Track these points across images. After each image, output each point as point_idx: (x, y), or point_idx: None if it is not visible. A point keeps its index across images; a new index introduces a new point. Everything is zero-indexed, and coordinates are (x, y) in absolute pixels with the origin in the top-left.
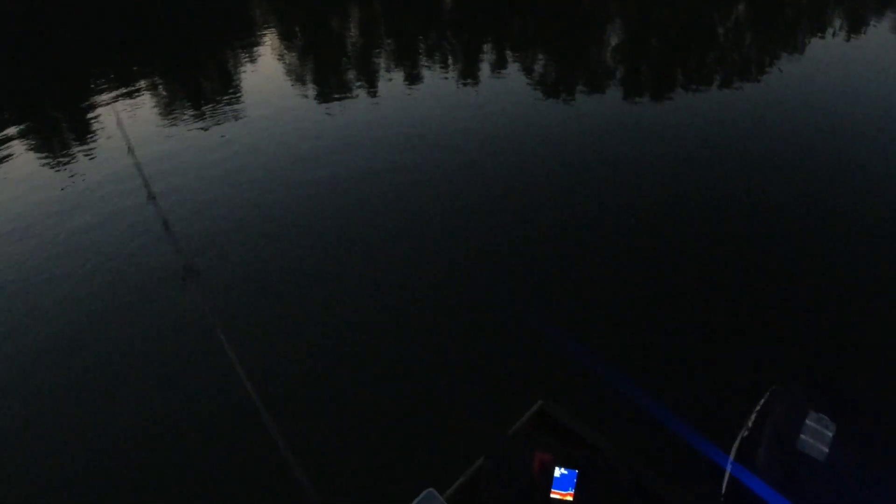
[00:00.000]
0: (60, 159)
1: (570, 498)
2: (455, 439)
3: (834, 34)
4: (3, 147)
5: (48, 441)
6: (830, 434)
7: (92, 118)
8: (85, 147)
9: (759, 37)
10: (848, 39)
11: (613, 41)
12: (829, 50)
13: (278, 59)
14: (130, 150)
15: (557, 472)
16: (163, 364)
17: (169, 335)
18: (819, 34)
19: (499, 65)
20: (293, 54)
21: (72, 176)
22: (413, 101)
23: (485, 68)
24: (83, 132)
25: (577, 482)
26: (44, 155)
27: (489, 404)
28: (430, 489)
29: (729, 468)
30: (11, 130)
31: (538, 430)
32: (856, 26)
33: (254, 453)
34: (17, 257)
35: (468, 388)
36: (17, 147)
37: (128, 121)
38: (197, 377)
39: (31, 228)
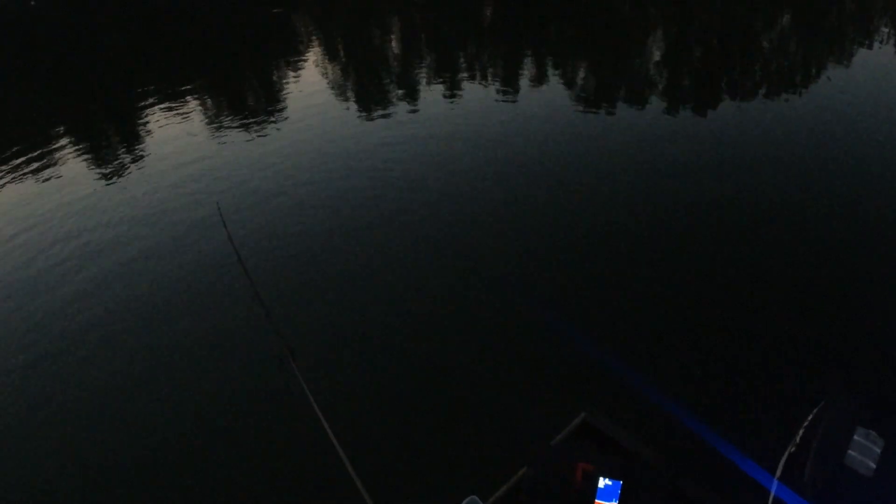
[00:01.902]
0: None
1: None
2: (499, 447)
3: (882, 42)
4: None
5: None
6: (878, 450)
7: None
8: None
9: (804, 45)
10: None
11: (654, 51)
12: (876, 59)
13: (322, 75)
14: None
15: (601, 482)
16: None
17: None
18: (866, 42)
19: (538, 75)
20: (337, 68)
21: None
22: (456, 112)
23: (524, 78)
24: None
25: (620, 493)
26: (98, 174)
27: (533, 414)
28: (473, 496)
29: (775, 483)
30: (73, 160)
31: (581, 440)
32: None
33: (308, 456)
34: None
35: (513, 398)
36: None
37: (176, 133)
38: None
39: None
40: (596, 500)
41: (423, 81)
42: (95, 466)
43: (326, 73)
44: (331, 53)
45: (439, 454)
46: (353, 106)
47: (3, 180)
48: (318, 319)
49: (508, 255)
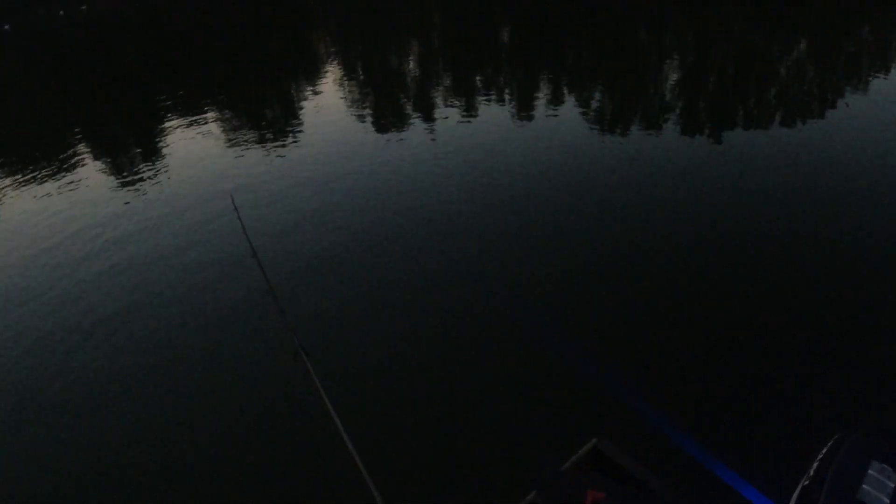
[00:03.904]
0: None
1: None
2: (507, 471)
3: None
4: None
5: None
6: (893, 485)
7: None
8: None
9: (821, 73)
10: None
11: (670, 77)
12: (893, 86)
13: (339, 91)
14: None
15: None
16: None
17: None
18: (883, 72)
19: (554, 99)
20: (353, 86)
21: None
22: (468, 131)
23: (540, 102)
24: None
25: None
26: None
27: (543, 439)
28: None
29: None
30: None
31: (591, 468)
32: None
33: (318, 454)
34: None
35: (524, 421)
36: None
37: (194, 149)
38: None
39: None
40: None
41: (440, 102)
42: (105, 463)
43: (345, 94)
44: (349, 72)
45: (446, 475)
46: (372, 124)
47: (23, 185)
48: (331, 320)
49: (524, 276)
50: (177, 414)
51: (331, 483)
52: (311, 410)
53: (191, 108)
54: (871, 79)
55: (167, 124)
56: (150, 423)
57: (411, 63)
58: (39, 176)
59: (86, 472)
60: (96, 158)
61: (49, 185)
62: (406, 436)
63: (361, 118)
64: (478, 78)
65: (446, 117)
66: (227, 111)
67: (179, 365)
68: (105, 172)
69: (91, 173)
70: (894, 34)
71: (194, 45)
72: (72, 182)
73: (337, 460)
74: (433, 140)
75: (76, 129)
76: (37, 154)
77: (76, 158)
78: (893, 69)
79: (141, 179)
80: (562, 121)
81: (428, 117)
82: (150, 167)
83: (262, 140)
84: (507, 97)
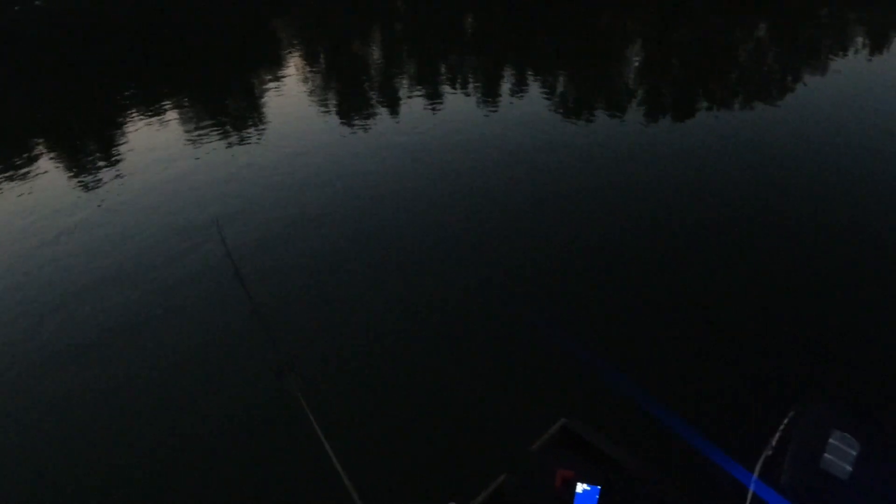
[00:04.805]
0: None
1: None
2: (478, 454)
3: (856, 52)
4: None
5: None
6: (854, 453)
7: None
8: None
9: (781, 55)
10: (871, 58)
11: (634, 60)
12: (851, 67)
13: (303, 81)
14: (234, 267)
15: (580, 487)
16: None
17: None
18: (841, 52)
19: (519, 85)
20: (318, 76)
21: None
22: (436, 120)
23: (505, 88)
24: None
25: (599, 499)
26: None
27: (512, 421)
28: (453, 503)
29: (752, 486)
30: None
31: (561, 447)
32: (879, 45)
33: (289, 460)
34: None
35: (492, 405)
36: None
37: (155, 143)
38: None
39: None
40: None
41: (407, 92)
42: (87, 483)
43: (309, 84)
44: (314, 63)
45: (417, 461)
46: (338, 118)
47: None
48: (312, 332)
49: (489, 262)
50: (163, 427)
51: (312, 486)
52: (293, 419)
53: (160, 103)
54: (830, 59)
55: (136, 121)
56: (138, 433)
57: (376, 53)
58: None
59: (50, 491)
60: (58, 159)
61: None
62: (382, 434)
63: (327, 111)
64: (443, 67)
65: (414, 110)
66: (199, 106)
67: (162, 381)
68: (67, 177)
69: (51, 178)
70: (851, 16)
71: (156, 38)
72: (31, 189)
73: (317, 464)
74: (405, 136)
75: (38, 127)
76: None
77: (35, 160)
78: (851, 50)
79: (106, 185)
80: (526, 105)
81: (393, 109)
82: (116, 170)
83: (225, 136)
84: (470, 86)
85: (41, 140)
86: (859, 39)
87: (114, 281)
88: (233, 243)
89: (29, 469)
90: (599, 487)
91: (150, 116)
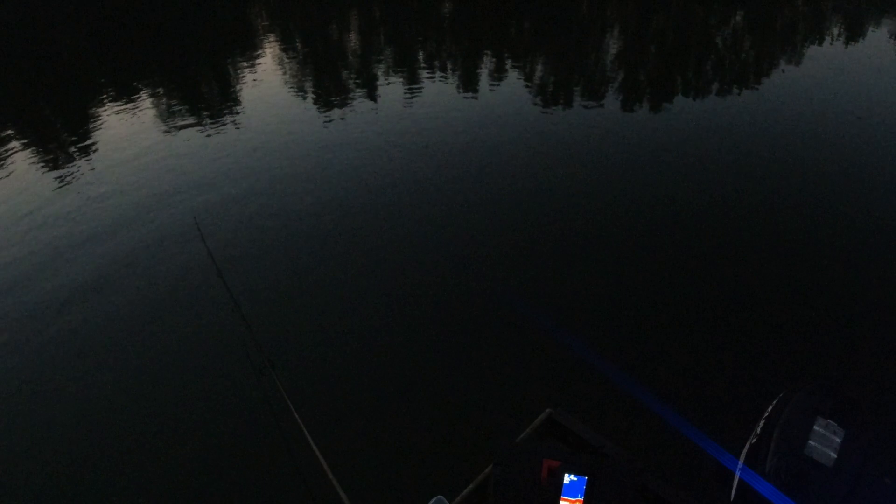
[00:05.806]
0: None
1: None
2: (464, 446)
3: (832, 41)
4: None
5: None
6: (838, 440)
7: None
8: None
9: (758, 42)
10: (847, 45)
11: (611, 47)
12: (827, 54)
13: (279, 68)
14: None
15: (566, 478)
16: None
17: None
18: (817, 40)
19: (497, 71)
20: (294, 62)
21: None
22: (414, 107)
23: (484, 74)
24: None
25: (586, 489)
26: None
27: (498, 412)
28: (440, 496)
29: (738, 473)
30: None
31: (547, 437)
32: (854, 33)
33: (273, 459)
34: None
35: (477, 396)
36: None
37: (130, 128)
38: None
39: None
40: (562, 497)
41: (384, 79)
42: (67, 482)
43: (285, 70)
44: (289, 48)
45: (403, 453)
46: (315, 106)
47: None
48: (293, 327)
49: (469, 252)
50: (143, 427)
51: (297, 482)
52: (276, 415)
53: (131, 92)
54: (806, 47)
55: (106, 111)
56: (117, 433)
57: (353, 39)
58: None
59: (32, 491)
60: (28, 150)
61: None
62: (367, 429)
63: (304, 99)
64: (421, 52)
65: (390, 97)
66: (169, 93)
67: (143, 382)
68: (37, 169)
69: (20, 170)
70: (827, 3)
71: (130, 22)
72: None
73: (302, 459)
74: (383, 124)
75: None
76: None
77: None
78: (827, 38)
79: (77, 179)
80: (504, 92)
81: (371, 97)
82: (87, 163)
83: (203, 125)
84: (449, 72)
85: (8, 130)
86: (835, 29)
87: (87, 280)
88: (210, 238)
89: (2, 471)
90: (586, 477)
91: (123, 105)
